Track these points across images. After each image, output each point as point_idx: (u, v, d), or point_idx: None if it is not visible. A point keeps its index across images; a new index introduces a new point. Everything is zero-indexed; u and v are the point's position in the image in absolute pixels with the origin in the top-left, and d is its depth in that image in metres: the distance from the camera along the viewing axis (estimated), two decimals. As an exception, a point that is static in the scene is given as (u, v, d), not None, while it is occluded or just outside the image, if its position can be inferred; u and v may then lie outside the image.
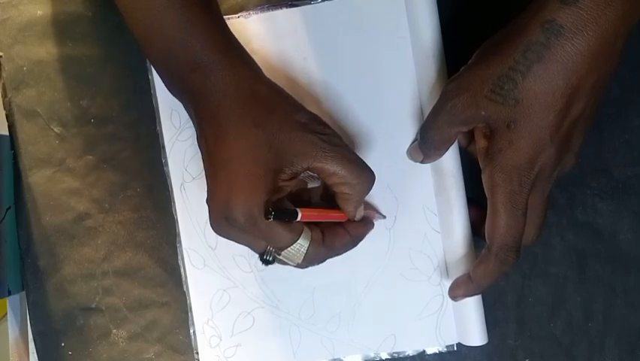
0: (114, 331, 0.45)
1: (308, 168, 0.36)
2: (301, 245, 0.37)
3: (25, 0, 0.46)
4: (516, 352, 0.44)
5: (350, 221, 0.40)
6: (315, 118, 0.37)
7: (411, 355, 0.44)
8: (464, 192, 0.41)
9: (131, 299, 0.45)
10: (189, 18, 0.36)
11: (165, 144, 0.44)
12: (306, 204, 0.41)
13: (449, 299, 0.42)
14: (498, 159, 0.35)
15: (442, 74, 0.41)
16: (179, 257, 0.44)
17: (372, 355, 0.44)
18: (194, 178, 0.44)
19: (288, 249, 0.37)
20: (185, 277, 0.44)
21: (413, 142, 0.43)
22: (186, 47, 0.36)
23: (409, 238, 0.44)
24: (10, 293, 0.44)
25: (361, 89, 0.43)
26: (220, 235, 0.37)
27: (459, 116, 0.36)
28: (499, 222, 0.36)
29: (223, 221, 0.35)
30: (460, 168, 0.41)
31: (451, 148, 0.40)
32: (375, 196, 0.44)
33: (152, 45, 0.37)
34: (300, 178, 0.38)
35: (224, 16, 0.40)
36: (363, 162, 0.38)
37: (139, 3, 0.36)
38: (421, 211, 0.43)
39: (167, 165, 0.44)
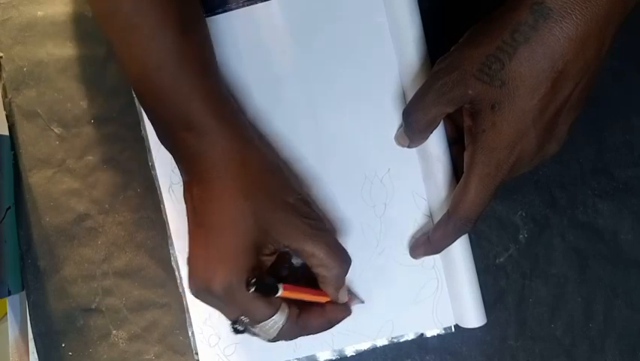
0: (114, 332, 0.45)
1: (289, 247, 0.37)
2: (276, 321, 0.37)
3: (26, 0, 0.46)
4: (516, 353, 0.44)
5: (328, 303, 0.40)
6: (302, 199, 0.38)
7: (409, 339, 0.44)
8: (453, 175, 0.41)
9: (131, 300, 0.45)
10: (184, 79, 0.35)
11: (151, 146, 0.44)
12: (284, 279, 0.40)
13: (444, 282, 0.43)
14: (480, 140, 0.35)
15: (423, 57, 0.41)
16: (172, 259, 0.44)
17: (371, 343, 0.44)
18: (181, 180, 0.44)
19: (264, 322, 0.36)
20: (180, 278, 0.44)
21: (399, 128, 0.43)
22: (179, 108, 0.35)
23: (400, 223, 0.44)
24: (10, 293, 0.44)
25: (343, 79, 0.44)
26: (196, 298, 0.37)
27: (447, 95, 0.35)
28: (467, 197, 0.36)
29: (201, 287, 0.35)
30: (447, 151, 0.41)
31: (436, 132, 0.40)
32: (363, 184, 0.44)
33: (146, 99, 0.37)
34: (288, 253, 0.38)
35: (205, 15, 0.40)
36: (342, 248, 0.39)
37: (133, 58, 0.36)
38: (410, 197, 0.44)
39: (154, 168, 0.44)
